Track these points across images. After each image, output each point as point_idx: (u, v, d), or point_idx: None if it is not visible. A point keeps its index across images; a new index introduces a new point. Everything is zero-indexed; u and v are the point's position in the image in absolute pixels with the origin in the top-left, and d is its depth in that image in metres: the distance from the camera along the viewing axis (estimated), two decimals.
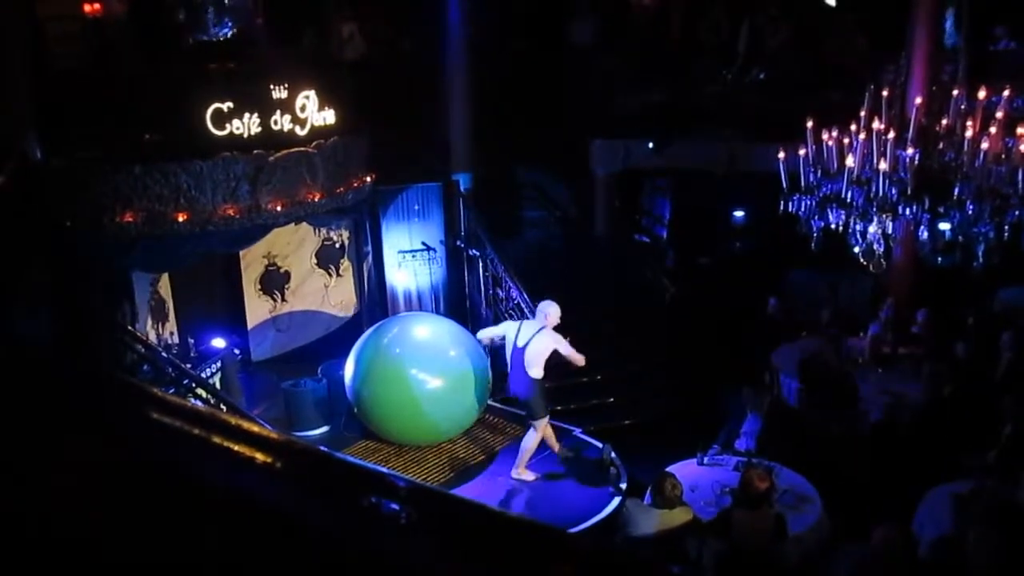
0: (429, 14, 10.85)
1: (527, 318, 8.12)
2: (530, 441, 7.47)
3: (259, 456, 0.90)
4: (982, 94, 5.95)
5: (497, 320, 9.64)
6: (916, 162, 5.85)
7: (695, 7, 12.54)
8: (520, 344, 7.24)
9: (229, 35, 8.43)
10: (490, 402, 8.32)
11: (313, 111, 8.21)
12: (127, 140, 7.52)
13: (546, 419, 7.45)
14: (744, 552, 5.30)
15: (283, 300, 10.39)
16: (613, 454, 7.60)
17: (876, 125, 6.01)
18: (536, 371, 7.20)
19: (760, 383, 8.05)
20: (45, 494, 0.88)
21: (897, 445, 7.05)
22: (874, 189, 5.95)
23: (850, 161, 6.05)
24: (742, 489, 5.47)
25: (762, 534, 5.33)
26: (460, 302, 10.49)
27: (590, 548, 0.94)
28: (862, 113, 6.27)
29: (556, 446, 7.80)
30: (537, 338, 7.19)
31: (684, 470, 6.49)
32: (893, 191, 5.90)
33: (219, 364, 8.68)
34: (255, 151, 7.71)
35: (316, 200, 8.22)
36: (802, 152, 6.42)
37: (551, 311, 7.29)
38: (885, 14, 9.79)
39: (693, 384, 9.26)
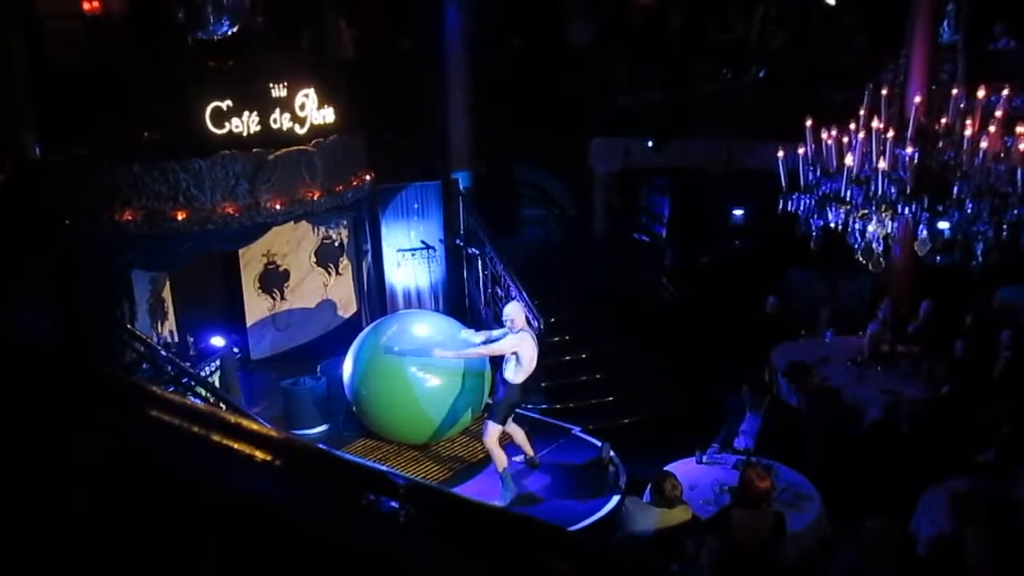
0: (428, 12, 10.85)
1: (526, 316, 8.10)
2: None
3: (258, 454, 0.90)
4: (981, 93, 5.94)
5: (496, 319, 9.65)
6: (915, 161, 5.85)
7: (694, 5, 12.53)
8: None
9: (228, 33, 8.42)
10: (489, 400, 8.32)
11: (312, 109, 8.21)
12: (126, 138, 7.52)
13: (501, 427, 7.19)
14: (743, 550, 5.30)
15: (282, 298, 10.39)
16: (612, 453, 7.60)
17: (875, 124, 6.01)
18: (508, 373, 7.07)
19: (759, 382, 8.05)
20: (47, 491, 0.88)
21: (896, 443, 7.06)
22: (873, 188, 5.94)
23: (849, 160, 6.05)
24: (741, 488, 5.47)
25: (761, 532, 5.34)
26: (459, 300, 10.49)
27: (589, 546, 0.94)
28: (861, 112, 6.27)
29: (530, 452, 7.70)
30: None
31: (683, 469, 6.49)
32: (892, 190, 5.90)
33: (218, 362, 8.66)
34: (254, 149, 7.71)
35: (315, 198, 8.21)
36: (801, 151, 6.42)
37: (510, 311, 7.12)
38: (884, 13, 9.80)
39: (692, 383, 9.27)
